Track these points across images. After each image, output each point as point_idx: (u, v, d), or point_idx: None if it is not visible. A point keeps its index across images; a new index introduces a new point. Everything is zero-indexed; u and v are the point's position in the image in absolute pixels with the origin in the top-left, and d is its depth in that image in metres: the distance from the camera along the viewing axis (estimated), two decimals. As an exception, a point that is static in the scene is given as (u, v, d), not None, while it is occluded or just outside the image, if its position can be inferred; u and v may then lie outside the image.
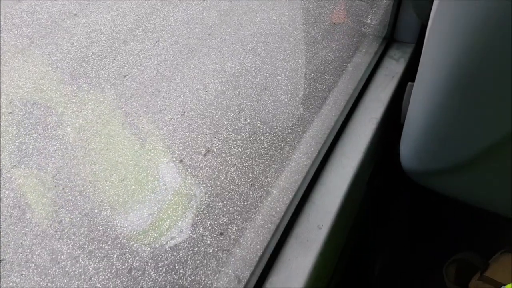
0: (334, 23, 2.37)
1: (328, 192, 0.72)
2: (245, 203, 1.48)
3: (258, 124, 1.82)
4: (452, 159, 0.46)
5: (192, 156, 1.68)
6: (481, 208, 0.54)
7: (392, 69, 0.95)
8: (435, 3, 0.46)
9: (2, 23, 2.52)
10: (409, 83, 0.70)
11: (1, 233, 1.42)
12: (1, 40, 2.39)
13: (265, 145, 1.72)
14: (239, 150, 1.70)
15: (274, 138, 1.75)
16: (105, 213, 1.47)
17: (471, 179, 0.48)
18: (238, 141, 1.74)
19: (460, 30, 0.35)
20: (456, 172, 0.47)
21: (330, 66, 2.09)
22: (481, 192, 0.50)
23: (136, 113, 1.91)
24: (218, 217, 1.44)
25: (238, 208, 1.46)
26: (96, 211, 1.48)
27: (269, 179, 1.57)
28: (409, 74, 0.97)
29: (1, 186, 1.59)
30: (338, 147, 0.80)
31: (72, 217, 1.46)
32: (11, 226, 1.45)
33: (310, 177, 0.74)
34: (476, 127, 0.40)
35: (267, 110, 1.90)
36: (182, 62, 2.19)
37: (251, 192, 1.52)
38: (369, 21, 2.30)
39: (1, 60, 2.24)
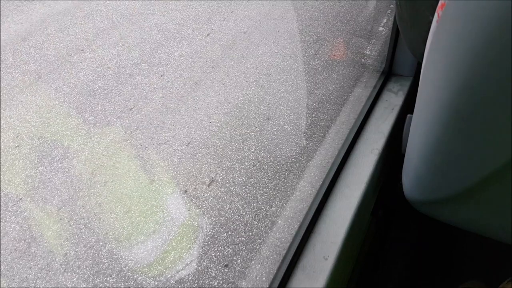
0: (334, 55, 2.45)
1: (333, 223, 0.73)
2: (250, 234, 1.47)
3: (262, 154, 1.84)
4: (453, 188, 0.47)
5: (197, 187, 1.69)
6: (485, 236, 0.55)
7: (392, 102, 0.98)
8: (428, 43, 0.49)
9: (11, 59, 2.61)
10: (408, 115, 0.73)
11: (6, 267, 1.41)
12: (10, 76, 2.47)
13: (269, 174, 1.73)
14: (243, 179, 1.72)
15: (278, 167, 1.76)
16: (110, 245, 1.46)
17: (473, 207, 0.49)
18: (242, 171, 1.76)
19: (453, 66, 0.38)
20: (458, 200, 0.49)
21: (332, 96, 2.13)
22: (484, 220, 0.51)
23: (141, 145, 1.94)
24: (222, 248, 1.43)
25: (243, 239, 1.46)
26: (101, 243, 1.47)
27: (274, 209, 1.57)
28: (408, 106, 1.00)
29: (7, 219, 1.59)
30: (342, 177, 0.81)
31: (77, 250, 1.45)
32: (16, 259, 1.44)
33: (315, 208, 0.75)
34: (475, 157, 0.41)
35: (270, 139, 1.93)
36: (186, 94, 2.25)
37: (255, 222, 1.52)
38: (368, 56, 2.37)
39: (8, 96, 2.30)
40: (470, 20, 0.34)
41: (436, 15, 0.45)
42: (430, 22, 0.49)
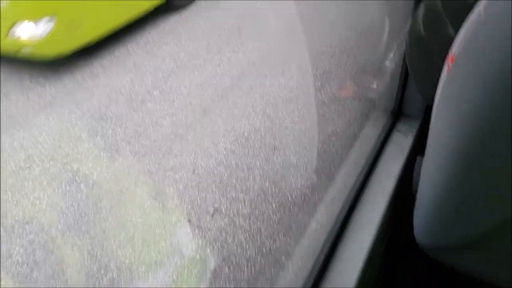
0: (341, 90, 2.49)
1: (345, 266, 0.73)
2: (253, 270, 1.46)
3: (267, 184, 1.85)
4: (465, 235, 0.47)
5: (200, 216, 1.70)
6: (496, 285, 0.54)
7: (401, 143, 0.99)
8: (438, 91, 0.50)
9: (28, 82, 2.70)
10: (418, 157, 0.73)
11: (8, 293, 1.42)
12: (26, 97, 2.54)
13: (274, 206, 1.73)
14: (247, 210, 1.72)
15: (283, 200, 1.76)
16: (111, 274, 1.46)
17: (485, 255, 0.48)
18: (247, 201, 1.76)
19: (466, 111, 0.39)
20: (469, 248, 0.48)
21: (338, 129, 2.16)
22: (495, 269, 0.50)
23: (148, 171, 1.97)
24: (224, 284, 1.42)
25: (245, 276, 1.44)
26: (102, 272, 1.47)
27: (278, 244, 1.56)
28: (418, 147, 1.01)
29: (12, 241, 1.61)
30: (353, 219, 0.82)
31: (78, 278, 1.45)
32: (17, 284, 1.44)
33: (326, 250, 0.75)
34: (487, 204, 0.41)
35: (276, 170, 1.94)
36: (195, 121, 2.29)
37: (259, 258, 1.50)
38: (374, 91, 2.40)
39: (22, 118, 2.37)
40: (480, 73, 0.36)
41: (446, 65, 0.46)
42: (441, 68, 0.50)
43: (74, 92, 2.55)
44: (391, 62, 2.43)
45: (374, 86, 2.36)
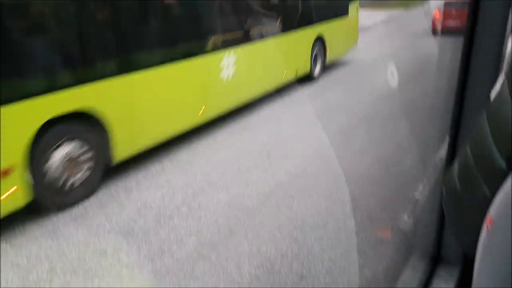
0: (372, 221, 2.46)
1: None
2: None
3: (295, 321, 1.71)
4: None
5: None
6: None
7: None
8: (480, 243, 0.50)
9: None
10: None
11: None
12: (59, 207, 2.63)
13: None
14: None
15: None
16: None
17: None
18: None
19: (507, 272, 0.39)
20: None
21: (371, 263, 2.06)
22: None
23: (168, 294, 1.88)
24: None
25: None
26: None
27: None
28: None
29: None
30: None
31: None
32: None
33: None
34: None
35: (303, 303, 1.81)
36: (219, 241, 2.26)
37: None
38: (409, 229, 2.35)
39: (52, 227, 2.41)
40: None
41: (485, 225, 0.48)
42: (477, 224, 0.51)
43: (106, 205, 2.64)
44: (421, 196, 2.44)
45: (406, 219, 2.33)
